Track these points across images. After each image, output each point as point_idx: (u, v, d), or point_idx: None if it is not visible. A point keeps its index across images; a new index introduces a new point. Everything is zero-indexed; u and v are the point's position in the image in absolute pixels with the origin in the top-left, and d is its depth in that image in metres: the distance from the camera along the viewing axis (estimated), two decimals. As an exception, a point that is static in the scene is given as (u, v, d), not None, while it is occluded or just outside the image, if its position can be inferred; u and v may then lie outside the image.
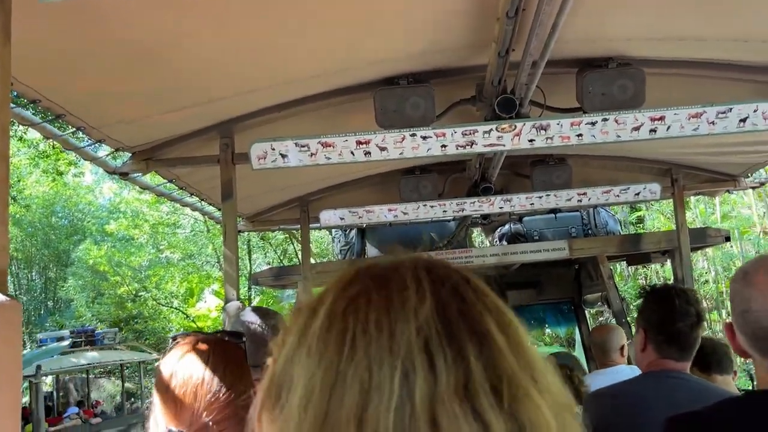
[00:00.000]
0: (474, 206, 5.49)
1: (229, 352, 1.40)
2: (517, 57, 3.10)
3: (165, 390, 1.32)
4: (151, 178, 4.56)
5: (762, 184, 5.89)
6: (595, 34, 3.27)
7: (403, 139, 3.55)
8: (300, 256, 12.40)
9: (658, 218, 17.70)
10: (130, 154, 3.93)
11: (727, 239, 6.14)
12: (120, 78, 2.99)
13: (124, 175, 4.04)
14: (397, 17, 2.97)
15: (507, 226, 6.50)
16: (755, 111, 3.49)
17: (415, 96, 3.43)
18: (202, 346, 1.38)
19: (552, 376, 0.58)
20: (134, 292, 25.58)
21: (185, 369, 1.32)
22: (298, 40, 2.99)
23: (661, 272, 16.96)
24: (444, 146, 3.65)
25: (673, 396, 2.03)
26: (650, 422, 2.13)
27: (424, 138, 3.58)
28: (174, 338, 1.43)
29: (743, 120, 3.54)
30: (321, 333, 0.57)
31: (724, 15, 3.05)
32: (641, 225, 18.40)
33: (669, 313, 2.24)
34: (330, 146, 3.58)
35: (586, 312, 7.18)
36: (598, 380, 3.36)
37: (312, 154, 3.60)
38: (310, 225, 5.87)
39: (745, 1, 2.93)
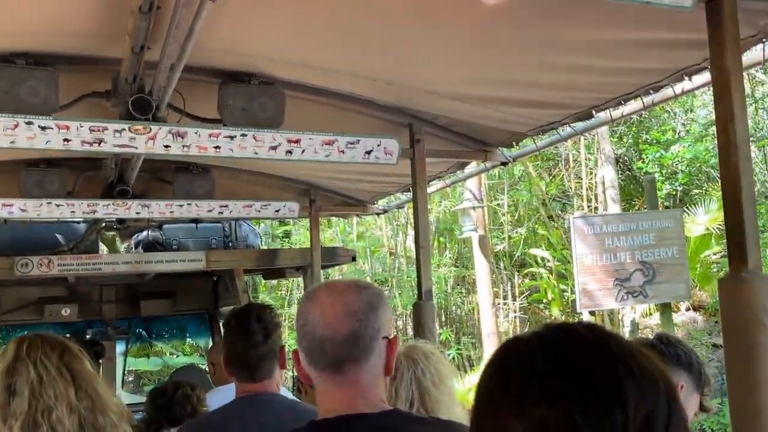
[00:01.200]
0: (108, 209, 5.08)
1: None
2: (155, 57, 2.92)
3: None
4: None
5: (385, 211, 6.52)
6: (239, 48, 3.24)
7: (16, 126, 3.11)
8: None
9: (305, 234, 18.68)
10: None
11: (354, 259, 6.66)
12: None
13: None
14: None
15: (145, 233, 6.18)
16: (379, 145, 3.81)
17: (34, 79, 3.02)
18: None
19: None
20: None
21: None
22: None
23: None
24: (67, 140, 3.29)
25: (261, 419, 2.04)
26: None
27: (43, 128, 3.17)
28: None
29: (369, 152, 3.83)
30: None
31: (354, 51, 3.26)
32: (288, 239, 19.21)
33: (233, 336, 2.25)
34: None
35: (220, 324, 7.16)
36: (214, 399, 3.30)
37: None
38: None
39: (374, 42, 3.18)
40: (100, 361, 5.72)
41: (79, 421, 1.85)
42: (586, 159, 15.73)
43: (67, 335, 5.69)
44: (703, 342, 12.62)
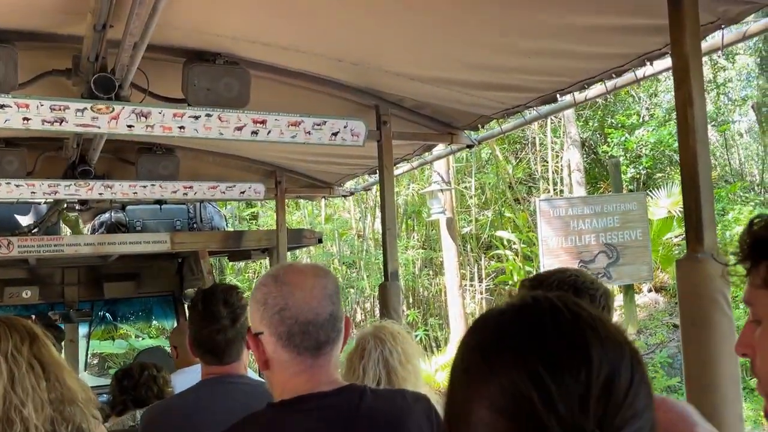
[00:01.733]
0: (70, 190, 4.99)
1: None
2: (118, 35, 2.86)
3: None
4: None
5: (351, 193, 6.52)
6: (204, 27, 3.20)
7: (-27, 104, 3.03)
8: None
9: (272, 216, 18.57)
10: None
11: (320, 241, 6.65)
12: None
13: None
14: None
15: (108, 214, 6.08)
16: (345, 127, 3.80)
17: (-8, 57, 2.95)
18: None
19: None
20: None
21: None
22: None
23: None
24: (27, 119, 3.22)
25: (227, 402, 2.03)
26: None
27: (1, 107, 3.10)
28: None
29: (335, 134, 3.82)
30: None
31: (320, 32, 3.24)
32: (255, 221, 19.09)
33: (199, 319, 2.21)
34: None
35: (185, 306, 7.11)
36: (178, 380, 3.29)
37: None
38: None
39: (340, 23, 3.16)
40: (62, 344, 5.64)
41: (50, 413, 1.84)
42: (552, 143, 15.89)
43: (32, 317, 5.61)
44: (664, 322, 12.91)
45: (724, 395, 1.84)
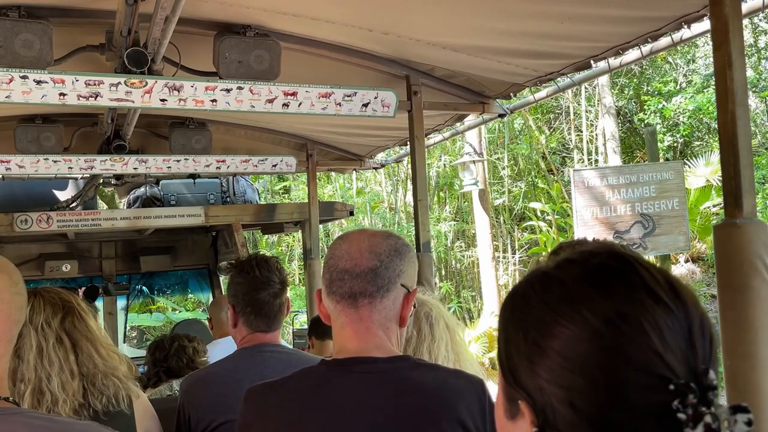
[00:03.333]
0: (105, 165, 5.07)
1: None
2: (149, 8, 2.88)
3: None
4: None
5: (382, 165, 6.51)
6: (234, 0, 3.20)
7: (11, 80, 3.08)
8: None
9: (303, 190, 18.66)
10: None
11: (351, 213, 6.67)
12: None
13: None
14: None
15: (142, 189, 6.17)
16: (376, 98, 3.78)
17: (28, 32, 2.98)
18: None
19: None
20: None
21: None
22: None
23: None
24: (63, 95, 3.27)
25: (265, 370, 2.05)
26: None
27: (39, 82, 3.15)
28: None
29: (366, 105, 3.80)
30: None
31: (350, 1, 3.21)
32: (287, 195, 19.22)
33: (251, 284, 2.23)
34: None
35: (221, 279, 7.21)
36: (214, 351, 3.36)
37: None
38: None
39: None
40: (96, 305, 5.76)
41: (82, 385, 1.89)
42: (586, 111, 15.63)
43: (77, 289, 5.76)
44: (702, 293, 12.74)
45: (762, 361, 1.81)
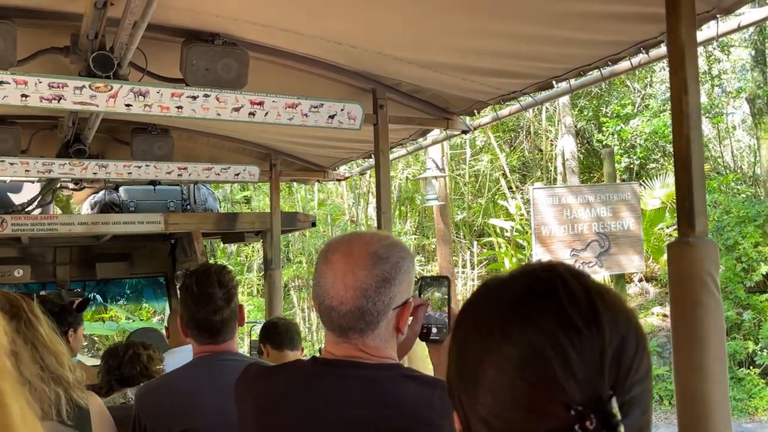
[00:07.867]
0: (64, 169, 4.98)
1: None
2: (118, 13, 2.87)
3: None
4: None
5: (346, 177, 6.53)
6: (203, 7, 3.20)
7: (-28, 80, 3.03)
8: None
9: (264, 200, 18.57)
10: None
11: (313, 224, 6.67)
12: None
13: None
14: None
15: (101, 194, 6.08)
16: (342, 110, 3.81)
17: (-11, 33, 2.95)
18: None
19: None
20: None
21: None
22: None
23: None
24: (25, 96, 3.21)
25: (222, 378, 2.05)
26: (200, 409, 2.16)
27: (0, 83, 3.10)
28: None
29: (332, 116, 3.83)
30: None
31: (319, 14, 3.25)
32: (248, 204, 19.08)
33: (193, 301, 2.20)
34: None
35: (177, 287, 7.13)
36: (170, 360, 3.33)
37: None
38: None
39: (339, 6, 3.17)
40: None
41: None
42: (546, 131, 15.92)
43: (42, 293, 5.62)
44: (654, 312, 13.02)
45: (712, 375, 1.88)
